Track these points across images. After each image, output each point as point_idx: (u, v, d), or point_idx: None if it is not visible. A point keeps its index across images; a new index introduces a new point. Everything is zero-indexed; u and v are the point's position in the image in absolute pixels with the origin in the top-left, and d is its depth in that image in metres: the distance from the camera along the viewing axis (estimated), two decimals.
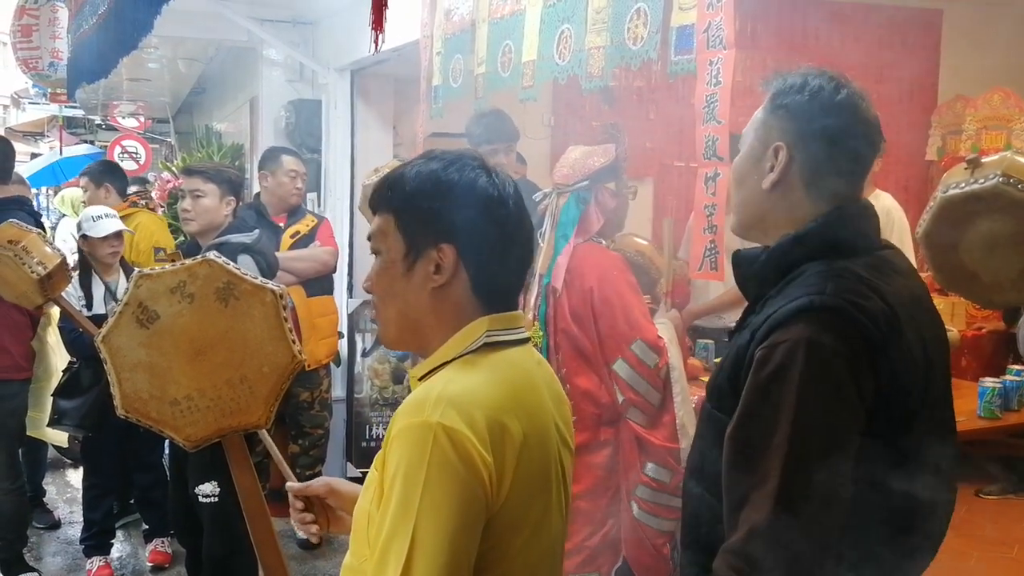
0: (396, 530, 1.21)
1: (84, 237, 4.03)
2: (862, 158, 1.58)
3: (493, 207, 1.36)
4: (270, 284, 2.07)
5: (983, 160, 2.01)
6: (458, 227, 1.34)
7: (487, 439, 1.25)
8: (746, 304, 1.66)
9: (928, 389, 1.49)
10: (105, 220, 4.03)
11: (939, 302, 4.41)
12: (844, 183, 1.57)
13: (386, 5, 1.90)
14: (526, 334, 1.44)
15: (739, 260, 1.66)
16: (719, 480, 1.47)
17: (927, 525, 1.55)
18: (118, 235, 4.08)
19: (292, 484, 1.69)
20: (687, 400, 2.94)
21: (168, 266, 2.05)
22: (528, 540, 1.35)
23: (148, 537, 4.47)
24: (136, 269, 2.07)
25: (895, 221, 4.04)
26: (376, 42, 1.94)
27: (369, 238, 1.42)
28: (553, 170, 3.26)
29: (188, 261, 2.06)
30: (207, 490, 3.15)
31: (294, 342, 2.06)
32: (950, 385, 1.61)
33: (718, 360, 3.69)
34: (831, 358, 1.38)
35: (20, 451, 4.28)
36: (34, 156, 17.78)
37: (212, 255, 2.08)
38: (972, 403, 3.74)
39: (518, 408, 1.33)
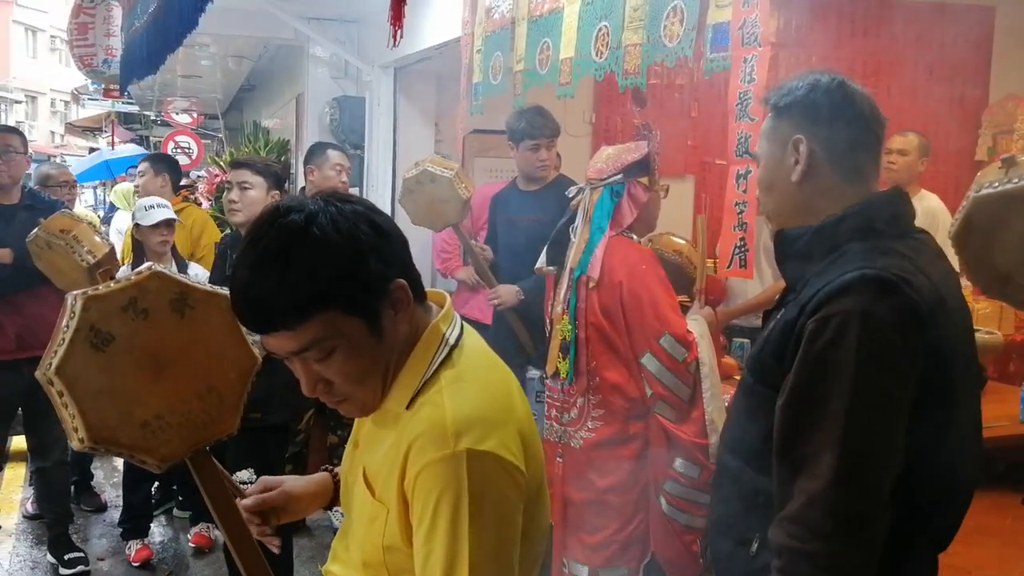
0: (454, 563, 1.20)
1: (137, 226, 4.13)
2: (874, 138, 1.69)
3: (378, 218, 1.31)
4: (222, 289, 1.94)
5: (1018, 159, 1.97)
6: (390, 261, 1.28)
7: (513, 449, 1.27)
8: None
9: (965, 355, 1.58)
10: (156, 209, 4.11)
11: (986, 305, 4.30)
12: (872, 164, 1.69)
13: (404, 2, 1.94)
14: (450, 307, 1.41)
15: (783, 238, 1.70)
16: (756, 453, 1.54)
17: (967, 480, 1.63)
18: (168, 224, 4.15)
19: (245, 502, 1.63)
20: (717, 396, 2.91)
21: (113, 284, 1.91)
22: (539, 526, 1.38)
23: (193, 521, 4.59)
24: (73, 293, 1.88)
25: (940, 223, 3.94)
26: (395, 37, 1.98)
27: (302, 351, 1.26)
28: (586, 168, 3.27)
29: (133, 276, 1.94)
30: (244, 476, 3.17)
31: (254, 343, 1.97)
32: (975, 347, 1.69)
33: None
34: (885, 328, 1.44)
35: None
36: (92, 151, 18.28)
37: (158, 266, 1.98)
38: (1014, 408, 3.65)
39: (514, 404, 1.35)
